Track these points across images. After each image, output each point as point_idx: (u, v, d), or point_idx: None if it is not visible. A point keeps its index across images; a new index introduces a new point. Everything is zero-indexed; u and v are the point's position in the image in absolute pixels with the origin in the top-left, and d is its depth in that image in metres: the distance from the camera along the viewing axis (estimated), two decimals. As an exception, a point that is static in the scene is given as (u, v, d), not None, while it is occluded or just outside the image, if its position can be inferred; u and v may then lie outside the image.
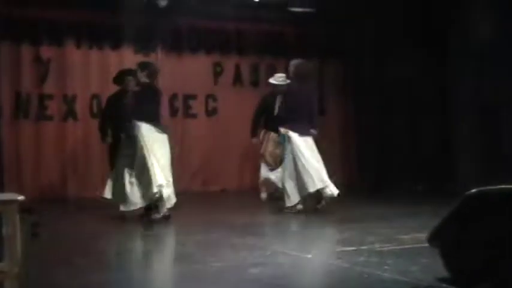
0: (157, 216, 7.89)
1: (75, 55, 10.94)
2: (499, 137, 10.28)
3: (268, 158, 9.75)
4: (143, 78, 8.11)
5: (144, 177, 7.76)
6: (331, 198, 8.47)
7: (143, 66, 8.27)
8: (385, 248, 5.84)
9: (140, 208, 7.97)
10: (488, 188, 4.28)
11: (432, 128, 11.40)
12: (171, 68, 11.42)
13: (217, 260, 5.53)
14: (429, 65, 11.15)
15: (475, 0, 10.50)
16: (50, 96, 10.80)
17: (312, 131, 8.74)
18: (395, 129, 11.89)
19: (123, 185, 7.90)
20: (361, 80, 12.47)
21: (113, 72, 9.58)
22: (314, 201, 8.60)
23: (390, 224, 7.41)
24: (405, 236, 6.43)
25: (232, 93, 11.99)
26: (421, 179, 11.17)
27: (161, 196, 7.75)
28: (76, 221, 8.46)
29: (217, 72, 11.93)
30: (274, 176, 9.30)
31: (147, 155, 7.76)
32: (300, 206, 8.49)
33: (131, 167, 7.89)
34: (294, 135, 8.56)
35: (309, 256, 5.78)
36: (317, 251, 6.24)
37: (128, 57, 10.74)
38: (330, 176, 8.56)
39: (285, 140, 8.69)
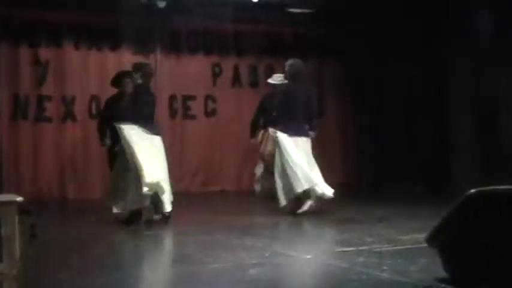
0: (156, 217, 7.87)
1: (73, 56, 10.94)
2: (499, 137, 10.27)
3: (267, 158, 9.74)
4: (138, 79, 8.10)
5: (135, 177, 7.71)
6: (323, 198, 8.39)
7: (137, 67, 8.25)
8: (384, 249, 5.84)
9: (139, 209, 7.95)
10: (488, 189, 4.28)
11: (431, 128, 11.40)
12: (170, 69, 11.44)
13: (216, 260, 5.52)
14: (428, 65, 11.15)
15: (475, 0, 10.51)
16: (49, 98, 10.79)
17: (310, 132, 8.72)
18: (394, 129, 11.89)
19: (122, 186, 7.88)
20: (360, 81, 12.47)
21: (112, 73, 9.58)
22: (295, 205, 8.48)
23: (389, 224, 7.41)
24: (404, 237, 6.42)
25: (231, 94, 11.99)
26: (420, 179, 11.16)
27: (156, 194, 7.69)
28: (74, 222, 8.45)
29: (216, 73, 11.93)
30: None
31: (132, 155, 7.70)
32: (290, 207, 8.43)
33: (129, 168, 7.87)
34: (281, 136, 8.55)
35: (308, 257, 5.77)
36: (316, 251, 6.23)
37: (127, 59, 10.72)
38: (325, 177, 8.52)
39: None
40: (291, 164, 8.38)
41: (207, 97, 11.88)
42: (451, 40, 10.86)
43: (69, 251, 6.25)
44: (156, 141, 7.97)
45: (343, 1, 11.25)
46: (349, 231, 6.98)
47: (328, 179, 8.59)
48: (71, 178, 10.86)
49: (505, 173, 9.05)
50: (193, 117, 11.80)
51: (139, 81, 8.08)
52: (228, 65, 12.00)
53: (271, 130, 8.79)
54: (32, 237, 6.11)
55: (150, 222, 7.78)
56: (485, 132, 10.34)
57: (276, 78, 9.77)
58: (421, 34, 11.11)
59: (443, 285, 4.38)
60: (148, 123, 7.99)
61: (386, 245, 6.01)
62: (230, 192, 11.66)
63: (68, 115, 10.92)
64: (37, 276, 4.91)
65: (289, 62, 8.85)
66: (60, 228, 7.66)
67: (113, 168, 8.35)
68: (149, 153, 7.76)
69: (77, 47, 10.95)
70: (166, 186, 7.80)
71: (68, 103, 10.90)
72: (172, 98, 11.56)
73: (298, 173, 8.32)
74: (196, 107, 11.81)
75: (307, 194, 8.43)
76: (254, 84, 12.11)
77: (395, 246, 5.99)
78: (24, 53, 10.64)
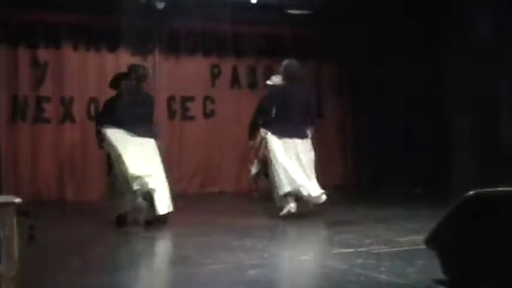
0: (155, 217, 7.85)
1: (72, 57, 10.92)
2: (499, 137, 10.27)
3: (263, 159, 9.74)
4: (132, 81, 8.11)
5: (123, 176, 7.71)
6: (310, 200, 8.31)
7: (131, 69, 8.26)
8: (382, 250, 5.84)
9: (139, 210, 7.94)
10: (487, 190, 4.28)
11: (431, 129, 11.39)
12: (168, 70, 11.42)
13: (215, 261, 5.53)
14: (428, 65, 11.14)
15: (475, 0, 10.51)
16: (47, 99, 10.77)
17: (308, 133, 8.69)
18: (393, 129, 11.87)
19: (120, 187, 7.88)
20: (359, 81, 12.47)
21: (110, 74, 9.55)
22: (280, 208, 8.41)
23: (387, 225, 7.41)
24: (402, 238, 6.42)
25: (230, 95, 11.98)
26: (420, 179, 11.15)
27: (148, 193, 7.67)
28: (73, 223, 8.45)
29: (214, 74, 11.92)
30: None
31: (116, 154, 7.70)
32: (286, 208, 8.38)
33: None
34: (270, 137, 8.55)
35: (307, 258, 5.77)
36: (314, 253, 6.24)
37: (126, 60, 10.69)
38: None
39: None
40: (276, 166, 8.37)
41: (206, 98, 11.86)
42: (451, 40, 10.86)
43: (67, 253, 6.25)
44: (148, 143, 7.94)
45: (342, 1, 11.24)
46: (347, 232, 6.97)
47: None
48: (69, 179, 10.83)
49: (505, 173, 9.04)
50: (191, 118, 11.78)
51: (133, 82, 8.09)
52: (226, 66, 11.99)
53: (262, 131, 8.80)
54: (31, 238, 6.12)
55: (149, 223, 7.77)
56: (485, 132, 10.33)
57: (275, 80, 9.77)
58: (421, 34, 11.09)
59: (441, 287, 4.38)
60: (144, 125, 7.98)
61: (384, 247, 6.02)
62: (229, 193, 11.64)
63: (67, 116, 10.90)
64: (35, 277, 4.91)
65: (285, 62, 8.84)
66: (58, 229, 7.65)
67: (111, 170, 8.34)
68: (134, 151, 7.71)
69: (75, 48, 10.93)
70: (157, 184, 7.73)
71: (66, 104, 10.88)
72: (170, 99, 11.54)
73: (282, 175, 8.29)
74: (195, 108, 11.79)
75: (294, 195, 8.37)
76: (253, 85, 12.10)
77: (393, 247, 5.99)
78: (23, 54, 10.62)
